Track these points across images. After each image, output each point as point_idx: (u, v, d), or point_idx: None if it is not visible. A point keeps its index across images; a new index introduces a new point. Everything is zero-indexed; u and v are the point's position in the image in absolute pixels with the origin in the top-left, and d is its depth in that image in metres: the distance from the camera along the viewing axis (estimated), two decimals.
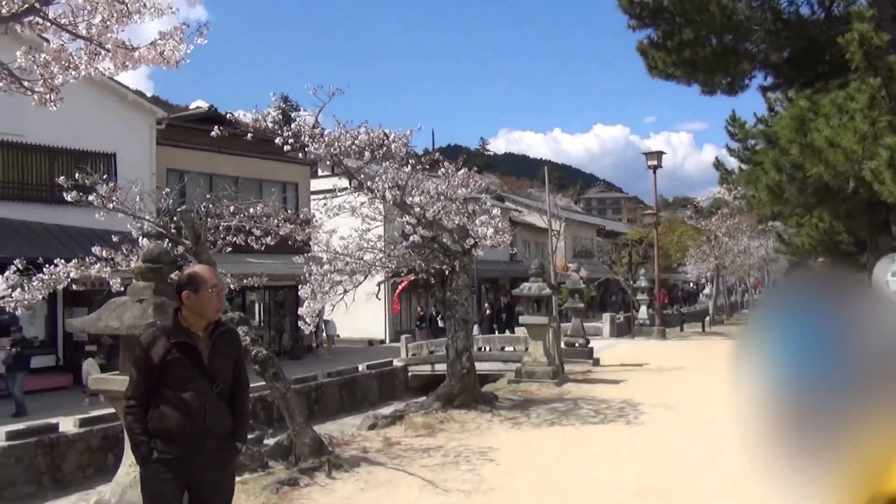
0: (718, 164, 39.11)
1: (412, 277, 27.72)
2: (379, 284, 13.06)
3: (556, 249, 18.90)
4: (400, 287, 30.44)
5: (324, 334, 28.04)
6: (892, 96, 11.55)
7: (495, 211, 11.34)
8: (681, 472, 8.03)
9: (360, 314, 28.88)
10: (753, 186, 15.82)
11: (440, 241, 12.24)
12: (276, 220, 10.71)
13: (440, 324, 26.94)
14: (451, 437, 10.10)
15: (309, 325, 11.84)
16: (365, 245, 12.18)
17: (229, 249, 10.25)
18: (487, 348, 21.63)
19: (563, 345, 17.66)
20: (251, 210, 10.37)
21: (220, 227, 10.05)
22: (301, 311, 11.49)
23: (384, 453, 9.15)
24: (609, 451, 9.06)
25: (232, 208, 10.15)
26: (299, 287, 11.95)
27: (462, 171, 11.57)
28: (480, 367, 21.08)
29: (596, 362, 18.36)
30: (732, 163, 35.86)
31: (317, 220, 11.61)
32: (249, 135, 10.18)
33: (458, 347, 12.03)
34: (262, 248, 10.73)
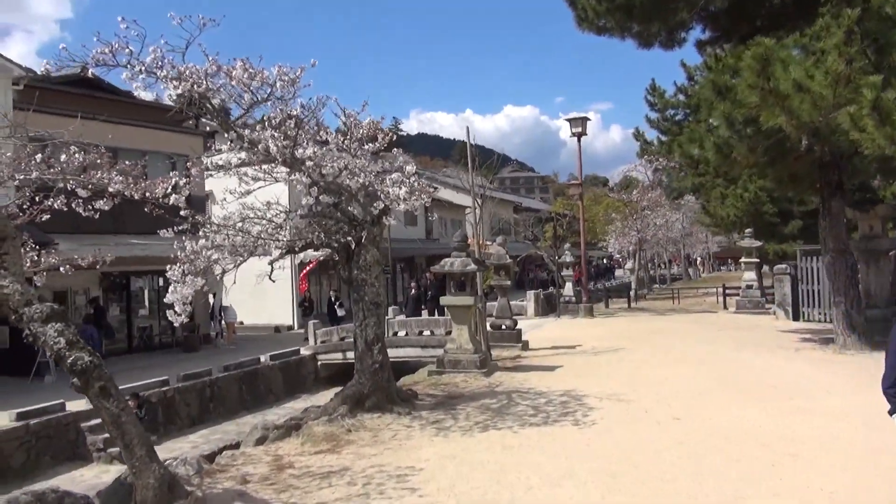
0: (638, 135, 38.13)
1: (320, 256, 25.35)
2: (271, 263, 10.69)
3: (479, 223, 16.90)
4: (308, 266, 27.99)
5: (223, 322, 25.29)
6: (869, 32, 9.97)
7: (410, 168, 9.18)
8: (664, 495, 6.13)
9: (266, 298, 26.44)
10: (698, 145, 14.16)
11: (343, 209, 9.99)
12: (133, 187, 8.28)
13: (339, 311, 24.59)
14: (360, 453, 7.93)
15: (179, 315, 9.34)
16: (251, 215, 9.79)
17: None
18: (404, 333, 19.51)
19: (488, 327, 15.74)
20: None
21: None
22: (168, 297, 9.03)
23: (270, 484, 6.90)
24: (561, 465, 7.10)
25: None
26: (168, 268, 9.47)
27: (368, 119, 9.34)
28: (396, 354, 19.06)
29: (525, 346, 16.52)
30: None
31: (185, 185, 9.09)
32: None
33: (369, 337, 9.85)
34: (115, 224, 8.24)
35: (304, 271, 28.17)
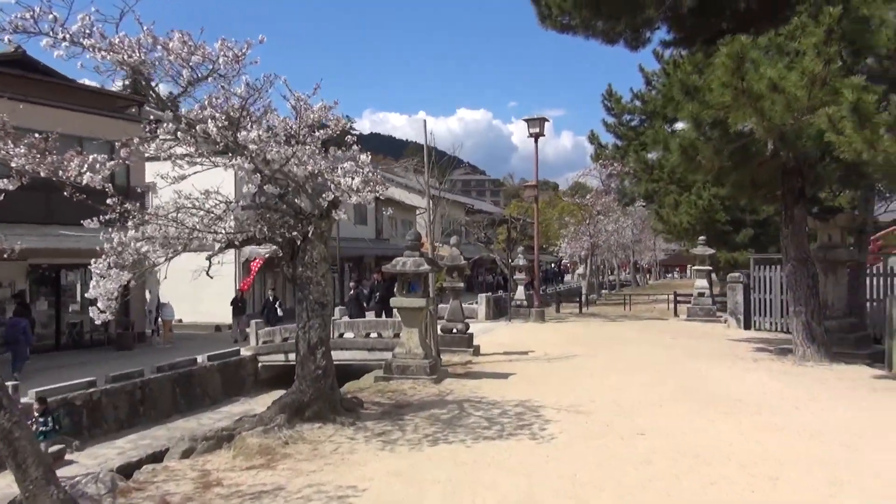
0: (593, 138, 38.05)
1: (265, 253, 24.32)
2: (209, 258, 9.81)
3: (432, 223, 16.23)
4: (255, 263, 26.87)
5: (159, 320, 24.06)
6: (845, 34, 9.60)
7: (364, 157, 8.42)
8: None
9: (207, 296, 25.28)
10: (662, 147, 13.73)
11: (289, 200, 9.18)
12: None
13: (279, 311, 23.52)
14: (297, 468, 7.15)
15: (103, 311, 8.41)
16: (187, 204, 8.90)
17: None
18: (351, 335, 18.68)
19: (439, 331, 15.06)
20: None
21: None
22: (90, 292, 8.10)
23: None
24: (520, 485, 6.45)
25: None
26: (93, 262, 8.53)
27: (320, 103, 8.55)
28: (340, 357, 18.23)
29: (476, 351, 15.90)
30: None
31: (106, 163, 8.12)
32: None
33: (312, 340, 9.06)
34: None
35: (252, 269, 27.06)
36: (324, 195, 8.41)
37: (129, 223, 8.63)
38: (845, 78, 9.71)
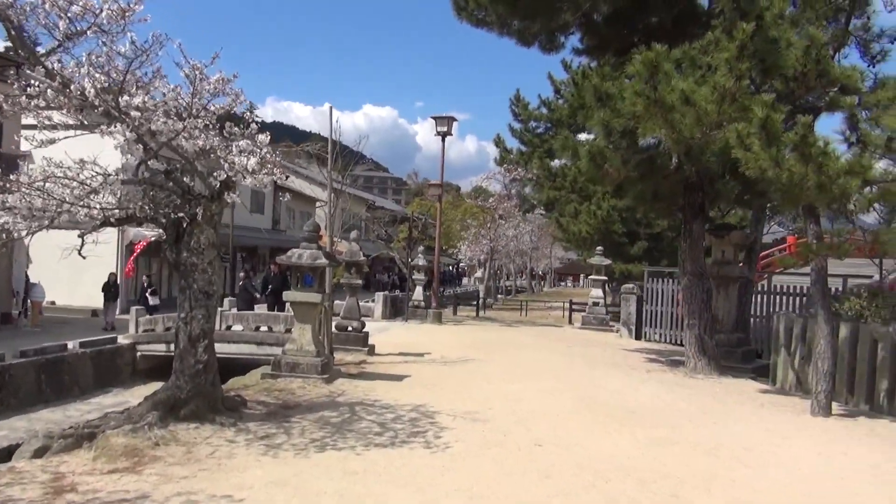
0: (499, 142, 38.23)
1: (151, 236, 22.81)
2: (82, 236, 8.85)
3: (333, 215, 15.55)
4: (137, 246, 25.27)
5: (28, 300, 22.21)
6: (756, 51, 9.67)
7: (262, 137, 7.74)
8: None
9: (85, 277, 23.59)
10: (570, 153, 13.62)
11: (176, 178, 8.38)
12: None
13: (151, 300, 22.24)
14: (167, 474, 6.42)
15: None
16: (57, 173, 7.94)
17: None
18: (239, 328, 17.75)
19: (333, 328, 14.43)
20: None
21: None
22: None
23: None
24: (413, 499, 5.99)
25: None
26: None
27: (217, 74, 7.79)
28: (227, 350, 17.31)
29: (371, 350, 15.35)
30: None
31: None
32: None
33: (193, 332, 8.29)
34: None
35: (134, 251, 25.43)
36: (215, 174, 7.67)
37: None
38: (754, 96, 9.80)
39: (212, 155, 7.56)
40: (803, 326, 12.13)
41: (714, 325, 13.81)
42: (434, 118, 23.93)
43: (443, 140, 24.05)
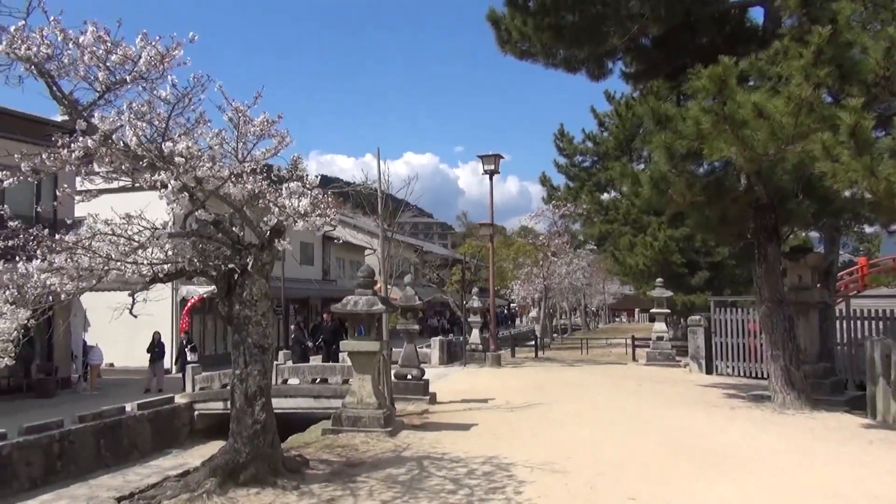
0: (545, 180, 37.69)
1: (202, 293, 22.66)
2: (132, 294, 8.51)
3: (385, 260, 15.04)
4: (191, 302, 25.20)
5: (87, 364, 22.15)
6: (832, 58, 8.96)
7: (313, 178, 7.30)
8: None
9: (141, 338, 23.54)
10: (630, 181, 12.95)
11: (225, 228, 7.99)
12: None
13: (190, 356, 21.45)
14: None
15: (1, 356, 7.05)
16: (102, 229, 7.60)
17: None
18: (295, 381, 17.29)
19: (392, 377, 13.84)
20: None
21: None
22: None
23: None
24: None
25: None
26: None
27: (262, 116, 7.41)
28: (284, 405, 16.81)
29: (433, 399, 14.68)
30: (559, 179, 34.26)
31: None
32: None
33: (250, 390, 7.78)
34: None
35: (187, 307, 25.36)
36: (265, 219, 7.23)
37: (38, 252, 7.35)
38: (832, 105, 9.07)
39: (261, 201, 7.12)
40: None
41: (799, 354, 12.81)
42: (480, 157, 23.51)
43: (490, 178, 23.57)
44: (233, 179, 7.05)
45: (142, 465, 15.89)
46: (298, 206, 6.84)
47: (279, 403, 17.18)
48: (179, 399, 18.58)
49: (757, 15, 14.96)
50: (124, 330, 21.24)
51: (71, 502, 12.88)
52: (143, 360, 25.11)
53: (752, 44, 13.52)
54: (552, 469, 8.39)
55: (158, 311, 25.32)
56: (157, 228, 7.85)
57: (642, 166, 35.67)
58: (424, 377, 15.00)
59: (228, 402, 16.90)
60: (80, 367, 22.36)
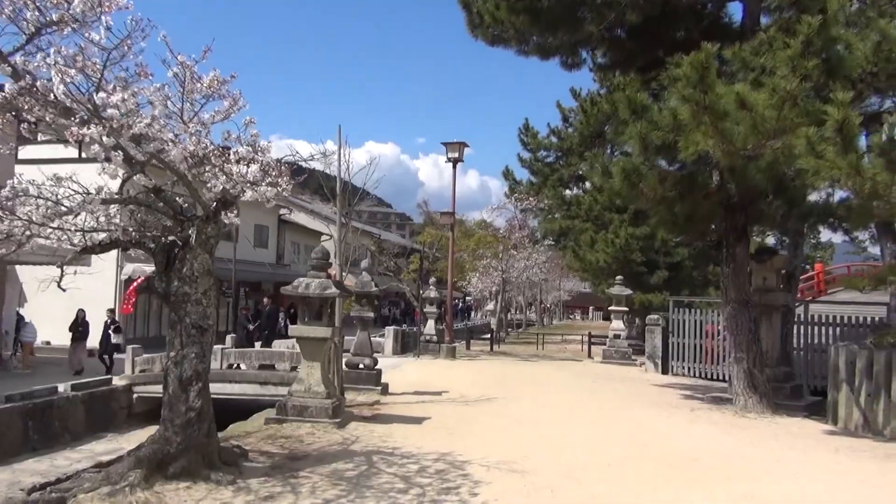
0: (507, 173, 37.26)
1: (150, 271, 21.61)
2: (61, 266, 7.72)
3: (341, 244, 14.35)
4: (136, 281, 24.08)
5: (19, 341, 20.94)
6: (825, 47, 8.57)
7: (265, 143, 6.61)
8: None
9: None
10: (600, 173, 12.50)
11: (167, 196, 7.26)
12: None
13: (115, 338, 19.93)
14: None
15: None
16: (27, 190, 6.79)
17: None
18: (241, 366, 16.52)
19: (343, 366, 13.20)
20: None
21: None
22: None
23: None
24: None
25: None
26: None
27: (211, 74, 6.69)
28: (230, 391, 16.11)
29: (384, 389, 14.08)
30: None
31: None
32: None
33: (185, 374, 7.08)
34: None
35: (132, 286, 24.23)
36: (209, 185, 6.53)
37: None
38: (817, 100, 8.70)
39: (206, 168, 6.41)
40: (869, 359, 10.88)
41: (762, 358, 12.53)
42: (444, 144, 22.93)
43: (454, 166, 23.01)
44: (175, 141, 6.32)
45: (73, 450, 14.98)
46: (247, 172, 6.17)
47: (223, 389, 16.44)
48: (117, 381, 17.65)
49: (735, 11, 14.64)
50: (63, 308, 20.17)
51: None
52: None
53: (730, 39, 13.17)
54: (510, 469, 7.87)
55: (101, 288, 24.25)
56: (88, 193, 7.07)
57: (622, 154, 35.61)
58: (377, 367, 14.38)
59: None
60: (10, 345, 21.14)
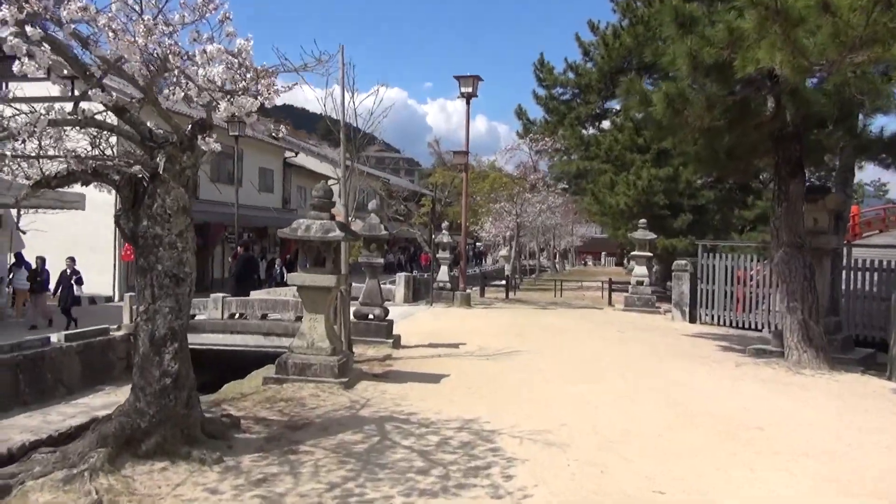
0: (521, 113, 35.48)
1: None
2: (17, 202, 6.49)
3: (346, 184, 13.00)
4: None
5: (11, 288, 19.87)
6: None
7: (242, 41, 5.21)
8: None
9: (82, 264, 21.28)
10: (638, 101, 11.04)
11: (133, 117, 5.94)
12: None
13: (76, 289, 17.78)
14: None
15: None
16: None
17: None
18: (242, 315, 15.44)
19: (351, 317, 12.06)
20: None
21: None
22: None
23: None
24: None
25: None
26: None
27: None
28: (229, 341, 15.12)
29: (396, 342, 12.92)
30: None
31: None
32: None
33: (158, 332, 5.87)
34: None
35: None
36: (167, 94, 5.18)
37: None
38: None
39: (167, 65, 5.03)
40: None
41: (818, 307, 11.24)
42: (457, 77, 21.33)
43: (467, 102, 21.47)
44: (131, 49, 4.94)
45: (67, 404, 14.04)
46: (215, 73, 4.82)
47: (225, 340, 15.41)
48: (117, 331, 16.62)
49: None
50: (63, 254, 19.02)
51: None
52: (83, 287, 22.99)
53: None
54: (546, 441, 6.70)
55: (105, 235, 23.13)
56: (41, 114, 5.75)
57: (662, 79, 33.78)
58: (388, 317, 13.21)
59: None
60: (2, 291, 20.06)
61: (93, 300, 23.41)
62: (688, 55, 9.26)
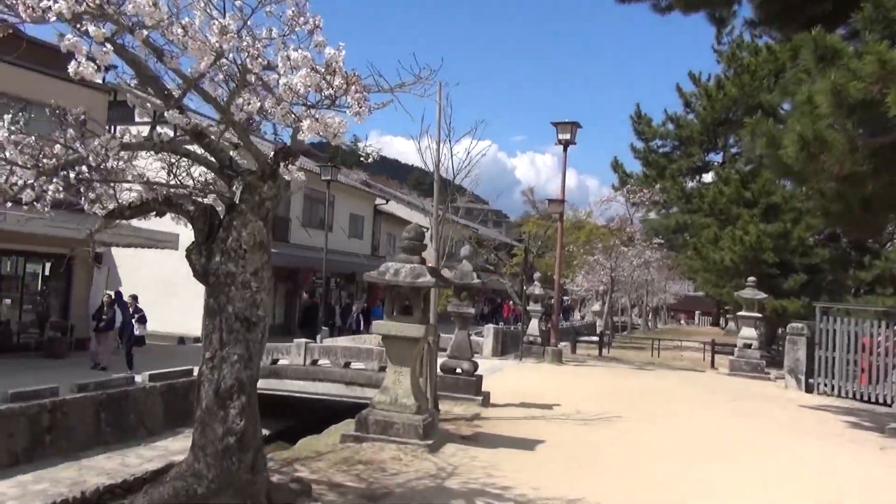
0: (617, 165, 34.43)
1: None
2: (91, 234, 6.01)
3: (438, 226, 12.24)
4: None
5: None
6: None
7: (331, 49, 4.51)
8: None
9: (174, 301, 21.41)
10: (765, 143, 9.90)
11: (212, 144, 5.36)
12: None
13: (138, 329, 17.26)
14: None
15: None
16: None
17: None
18: (326, 362, 14.80)
19: (438, 371, 11.17)
20: None
21: None
22: None
23: None
24: None
25: None
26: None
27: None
28: (311, 389, 14.48)
29: (485, 399, 11.93)
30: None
31: None
32: None
33: (224, 383, 5.15)
34: None
35: None
36: (242, 104, 4.52)
37: None
38: None
39: (251, 79, 4.40)
40: None
41: None
42: (554, 124, 20.53)
43: (564, 149, 20.61)
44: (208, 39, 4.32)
45: (146, 446, 13.64)
46: (297, 82, 4.13)
47: (307, 387, 14.78)
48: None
49: None
50: (157, 292, 19.06)
51: (52, 487, 10.67)
52: (175, 325, 23.01)
53: None
54: None
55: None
56: (113, 137, 5.22)
57: (735, 150, 32.31)
58: (477, 372, 12.26)
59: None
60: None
61: (182, 340, 23.41)
62: (831, 91, 8.14)
